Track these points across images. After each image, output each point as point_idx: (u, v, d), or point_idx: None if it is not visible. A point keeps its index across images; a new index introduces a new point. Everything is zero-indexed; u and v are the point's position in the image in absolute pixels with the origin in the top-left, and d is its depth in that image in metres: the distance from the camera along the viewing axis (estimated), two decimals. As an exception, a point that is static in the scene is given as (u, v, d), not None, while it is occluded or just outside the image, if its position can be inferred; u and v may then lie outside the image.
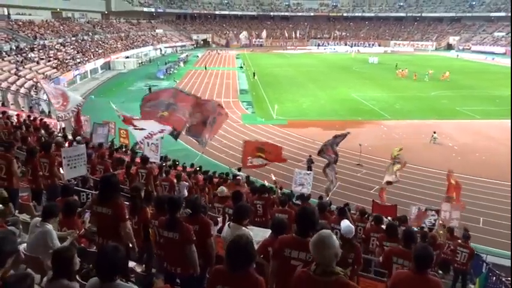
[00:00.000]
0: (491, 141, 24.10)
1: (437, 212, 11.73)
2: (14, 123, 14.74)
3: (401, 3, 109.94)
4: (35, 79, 31.47)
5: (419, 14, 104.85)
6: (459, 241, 8.92)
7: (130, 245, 4.78)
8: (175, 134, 12.26)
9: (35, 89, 30.77)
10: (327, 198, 13.54)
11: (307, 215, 3.61)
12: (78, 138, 14.82)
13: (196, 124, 11.70)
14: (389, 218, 11.00)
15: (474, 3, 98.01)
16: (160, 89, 14.63)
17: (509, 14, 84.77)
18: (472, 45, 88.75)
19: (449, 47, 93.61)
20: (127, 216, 4.72)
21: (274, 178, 11.92)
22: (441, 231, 10.78)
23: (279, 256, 3.59)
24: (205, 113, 11.61)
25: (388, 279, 4.92)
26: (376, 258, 6.80)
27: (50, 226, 4.71)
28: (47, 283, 3.24)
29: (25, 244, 4.76)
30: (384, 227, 7.68)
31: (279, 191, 10.71)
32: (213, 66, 62.18)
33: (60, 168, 8.08)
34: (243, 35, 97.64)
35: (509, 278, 8.06)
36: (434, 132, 24.11)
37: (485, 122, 28.64)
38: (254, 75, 48.39)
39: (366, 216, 9.22)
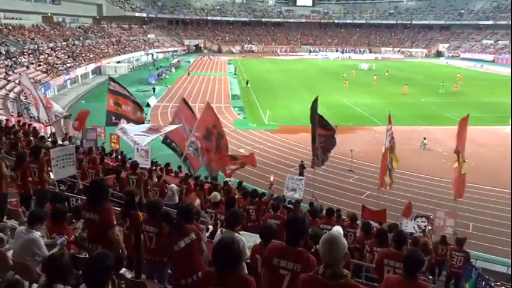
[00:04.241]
0: (481, 148, 24.36)
1: (427, 218, 11.79)
2: (3, 128, 14.60)
3: (392, 11, 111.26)
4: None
5: (409, 22, 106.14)
6: (454, 246, 9.07)
7: (120, 251, 4.73)
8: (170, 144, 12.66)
9: (24, 93, 30.43)
10: (315, 201, 13.54)
11: (296, 223, 3.49)
12: (65, 143, 14.72)
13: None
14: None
15: (463, 11, 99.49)
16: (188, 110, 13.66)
17: (496, 23, 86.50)
18: (461, 53, 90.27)
19: (439, 54, 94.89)
20: (115, 222, 4.65)
21: (272, 179, 11.74)
22: (430, 233, 10.85)
23: (268, 264, 3.54)
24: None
25: (379, 284, 4.94)
26: (367, 264, 6.82)
27: (36, 234, 4.63)
28: None
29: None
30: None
31: (271, 192, 10.60)
32: (204, 71, 62.16)
33: (50, 173, 7.99)
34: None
35: (498, 283, 8.14)
36: (425, 138, 24.34)
37: (475, 129, 28.79)
38: (247, 83, 47.50)
39: (357, 222, 9.25)
